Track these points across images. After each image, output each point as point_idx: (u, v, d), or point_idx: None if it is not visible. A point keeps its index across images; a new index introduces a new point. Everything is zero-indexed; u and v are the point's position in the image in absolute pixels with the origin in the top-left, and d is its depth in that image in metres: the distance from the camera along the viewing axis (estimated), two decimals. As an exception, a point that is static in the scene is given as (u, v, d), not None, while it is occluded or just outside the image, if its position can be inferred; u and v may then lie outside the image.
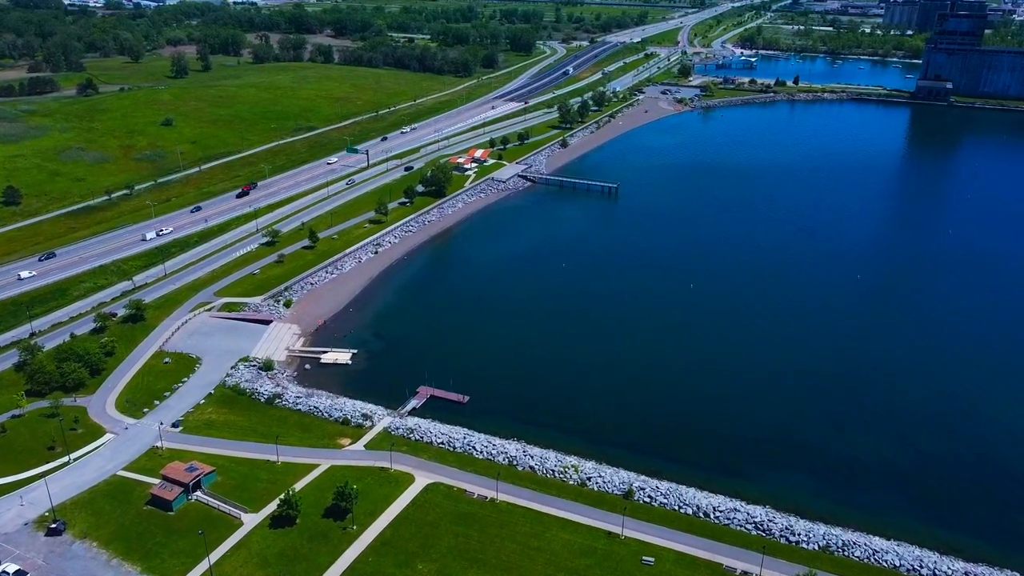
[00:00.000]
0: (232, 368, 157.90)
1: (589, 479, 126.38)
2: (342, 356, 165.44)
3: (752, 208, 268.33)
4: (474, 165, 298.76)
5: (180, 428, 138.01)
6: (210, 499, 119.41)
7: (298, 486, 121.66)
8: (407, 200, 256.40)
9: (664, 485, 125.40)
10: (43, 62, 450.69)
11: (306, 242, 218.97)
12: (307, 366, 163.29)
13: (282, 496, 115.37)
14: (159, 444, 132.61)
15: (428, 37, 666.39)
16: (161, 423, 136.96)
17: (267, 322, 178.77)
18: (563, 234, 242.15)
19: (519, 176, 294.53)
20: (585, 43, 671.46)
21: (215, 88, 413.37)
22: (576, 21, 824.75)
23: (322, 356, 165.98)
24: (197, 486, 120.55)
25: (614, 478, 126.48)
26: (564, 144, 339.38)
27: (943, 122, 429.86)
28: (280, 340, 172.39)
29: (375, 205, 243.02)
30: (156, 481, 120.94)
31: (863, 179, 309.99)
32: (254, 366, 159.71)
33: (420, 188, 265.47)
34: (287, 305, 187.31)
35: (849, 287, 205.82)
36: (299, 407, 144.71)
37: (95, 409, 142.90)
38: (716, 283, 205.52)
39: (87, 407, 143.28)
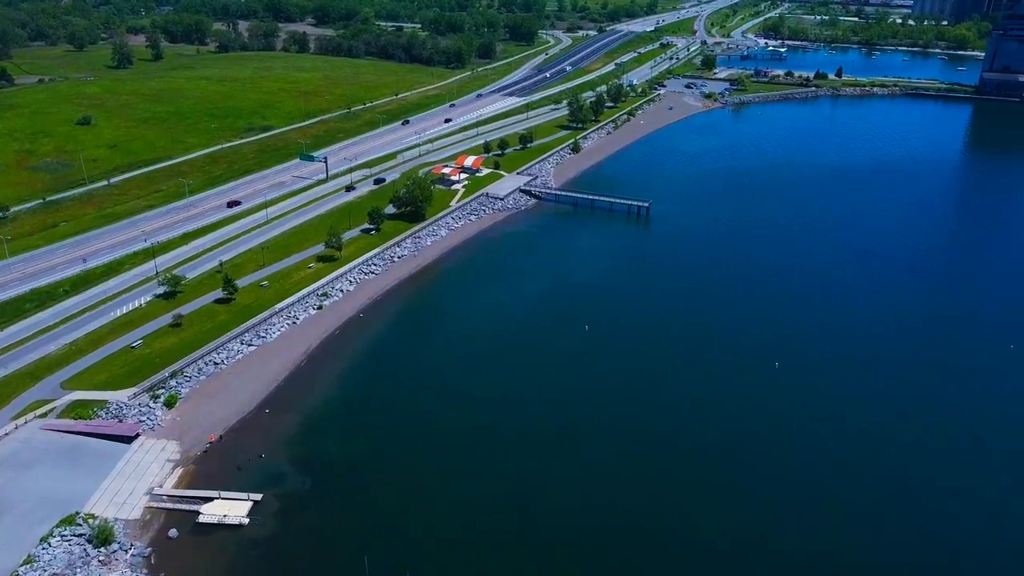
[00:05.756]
0: (40, 543, 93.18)
1: None
2: (235, 509, 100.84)
3: (833, 234, 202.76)
4: (463, 176, 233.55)
5: None
6: None
7: None
8: (372, 227, 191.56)
9: None
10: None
11: (220, 293, 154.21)
12: (173, 531, 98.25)
13: None
14: None
15: (419, 26, 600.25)
16: None
17: (130, 438, 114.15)
18: (582, 277, 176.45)
19: (521, 191, 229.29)
20: (593, 32, 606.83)
21: (158, 80, 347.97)
22: (581, 10, 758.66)
23: (203, 508, 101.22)
24: None
25: None
26: (576, 148, 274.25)
27: (1020, 121, 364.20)
28: (142, 474, 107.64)
29: (327, 235, 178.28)
30: None
31: (958, 194, 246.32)
32: (81, 536, 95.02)
33: (390, 209, 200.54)
34: (169, 404, 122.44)
35: (1009, 363, 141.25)
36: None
37: None
38: (812, 361, 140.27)
39: None
